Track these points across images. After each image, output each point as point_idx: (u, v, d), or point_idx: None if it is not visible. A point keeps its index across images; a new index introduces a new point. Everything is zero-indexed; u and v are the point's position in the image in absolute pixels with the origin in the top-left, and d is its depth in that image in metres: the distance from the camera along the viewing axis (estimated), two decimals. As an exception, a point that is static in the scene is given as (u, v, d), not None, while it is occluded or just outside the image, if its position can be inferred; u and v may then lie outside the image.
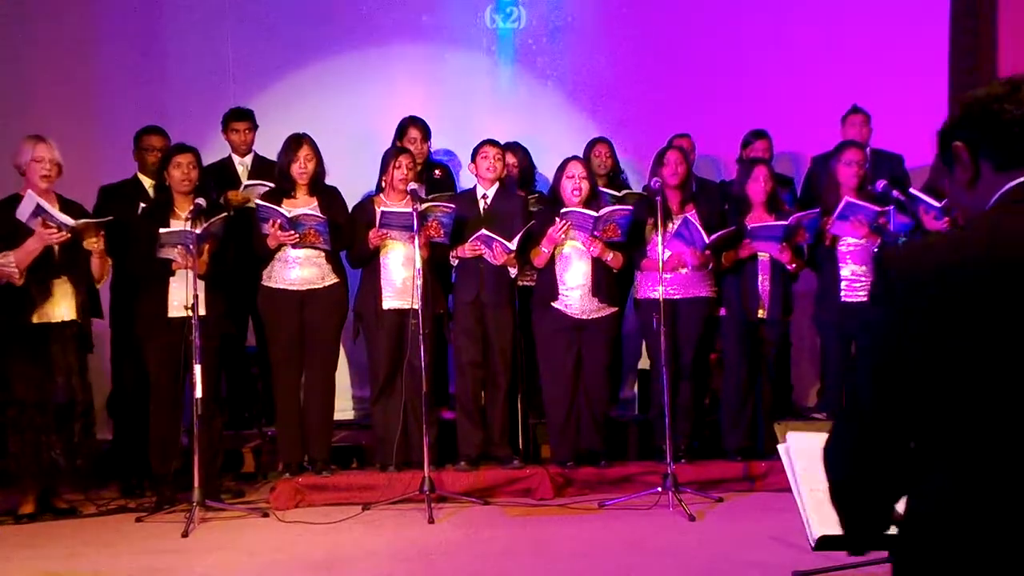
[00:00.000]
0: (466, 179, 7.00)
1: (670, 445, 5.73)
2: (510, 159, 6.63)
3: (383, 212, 5.96)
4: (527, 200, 6.46)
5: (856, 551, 1.80)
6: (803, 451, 2.10)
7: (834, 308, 6.16)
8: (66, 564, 4.91)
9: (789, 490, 2.19)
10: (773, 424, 6.22)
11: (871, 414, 1.60)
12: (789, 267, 6.17)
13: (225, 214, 5.95)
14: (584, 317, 6.11)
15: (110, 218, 5.81)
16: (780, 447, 2.25)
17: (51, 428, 5.67)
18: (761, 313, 6.21)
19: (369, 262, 6.12)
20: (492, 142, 6.29)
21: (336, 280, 6.14)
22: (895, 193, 5.96)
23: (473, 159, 6.27)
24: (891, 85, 7.48)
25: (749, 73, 7.76)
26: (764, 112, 7.42)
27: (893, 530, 1.66)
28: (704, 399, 6.59)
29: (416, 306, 5.79)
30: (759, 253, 6.19)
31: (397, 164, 6.09)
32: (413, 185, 5.94)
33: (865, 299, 5.89)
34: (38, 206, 5.48)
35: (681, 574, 4.62)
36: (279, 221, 5.89)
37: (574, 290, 6.10)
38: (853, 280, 6.15)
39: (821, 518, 2.01)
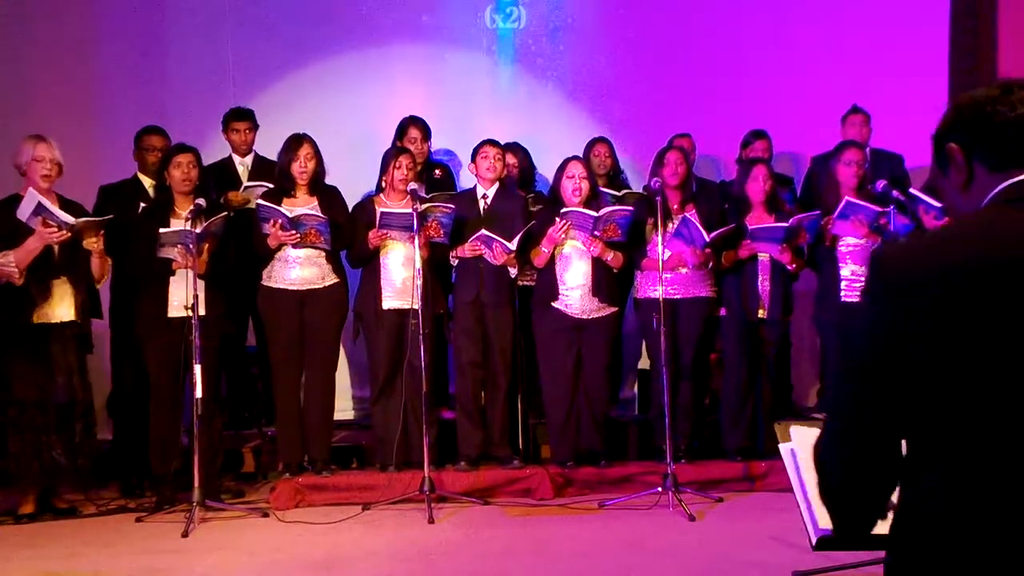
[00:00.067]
0: (466, 179, 7.00)
1: (670, 445, 5.73)
2: (510, 159, 6.63)
3: (383, 212, 5.96)
4: (527, 200, 6.46)
5: (848, 548, 1.81)
6: (809, 445, 2.10)
7: (834, 308, 6.15)
8: (66, 564, 4.91)
9: (789, 490, 2.19)
10: (773, 424, 6.22)
11: (862, 412, 1.60)
12: (789, 267, 6.17)
13: (225, 213, 5.96)
14: (584, 317, 6.11)
15: (110, 216, 5.82)
16: (782, 447, 2.25)
17: (52, 428, 5.68)
18: (761, 313, 6.21)
19: (369, 262, 6.13)
20: (492, 142, 6.29)
21: (336, 280, 6.14)
22: (895, 193, 5.96)
23: (473, 159, 6.27)
24: (891, 85, 7.49)
25: (749, 73, 7.76)
26: (764, 112, 7.42)
27: (884, 528, 1.66)
28: (704, 399, 6.59)
29: (416, 306, 5.79)
30: (759, 253, 6.19)
31: (397, 164, 6.09)
32: (413, 185, 5.94)
33: (860, 297, 5.89)
34: (39, 204, 5.48)
35: (681, 574, 4.62)
36: (280, 221, 5.89)
37: (574, 290, 6.11)
38: (853, 280, 6.15)
39: (823, 515, 2.01)
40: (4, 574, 4.82)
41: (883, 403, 1.58)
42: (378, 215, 5.97)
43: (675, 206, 6.22)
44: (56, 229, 5.52)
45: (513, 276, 6.19)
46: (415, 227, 5.73)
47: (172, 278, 5.78)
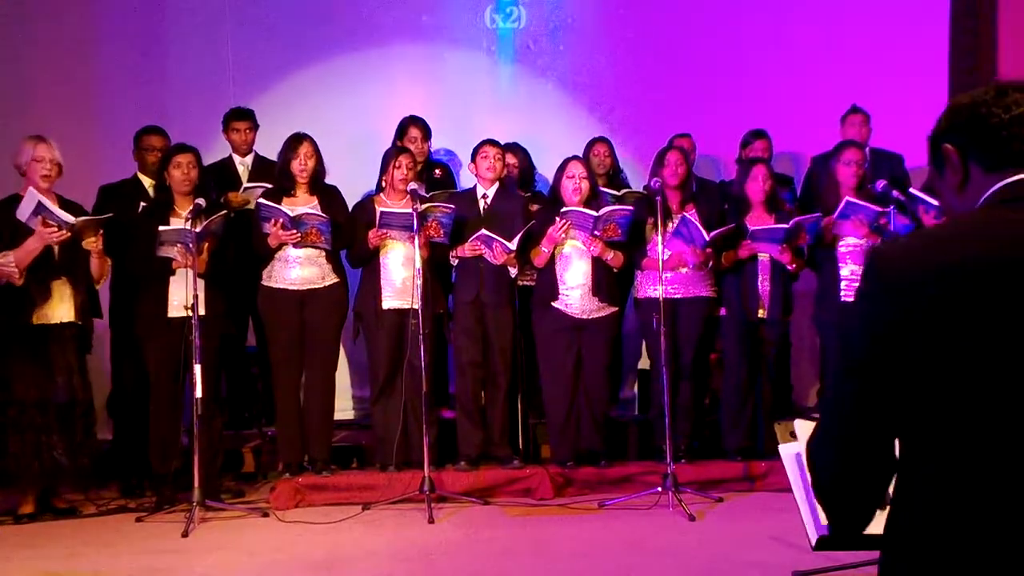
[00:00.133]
0: (466, 179, 7.00)
1: (670, 445, 5.73)
2: (510, 159, 6.63)
3: (383, 212, 5.96)
4: (527, 200, 6.46)
5: (848, 548, 1.81)
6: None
7: (834, 308, 6.15)
8: (66, 564, 4.91)
9: (789, 490, 2.19)
10: (773, 424, 6.23)
11: (857, 410, 1.61)
12: (789, 267, 6.17)
13: (224, 212, 5.96)
14: (584, 317, 6.11)
15: (109, 215, 5.82)
16: (782, 449, 2.25)
17: (52, 428, 5.67)
18: (761, 313, 6.21)
19: (369, 262, 6.13)
20: (492, 142, 6.29)
21: (336, 280, 6.14)
22: (895, 193, 5.96)
23: (473, 159, 6.27)
24: (891, 85, 7.49)
25: (749, 73, 7.76)
26: (764, 112, 7.42)
27: (880, 528, 1.67)
28: (704, 399, 6.60)
29: (416, 306, 5.79)
30: (759, 253, 6.20)
31: (397, 164, 6.09)
32: (413, 185, 5.94)
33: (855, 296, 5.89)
34: (39, 204, 5.48)
35: (681, 574, 4.62)
36: (281, 220, 5.89)
37: (574, 290, 6.11)
38: (853, 280, 6.14)
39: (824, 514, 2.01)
40: (4, 574, 4.82)
41: (878, 402, 1.59)
42: (378, 215, 5.97)
43: (675, 206, 6.22)
44: (56, 229, 5.52)
45: (513, 276, 6.19)
46: (415, 227, 5.73)
47: (172, 278, 5.78)
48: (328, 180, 6.22)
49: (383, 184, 6.18)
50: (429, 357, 5.76)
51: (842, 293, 6.17)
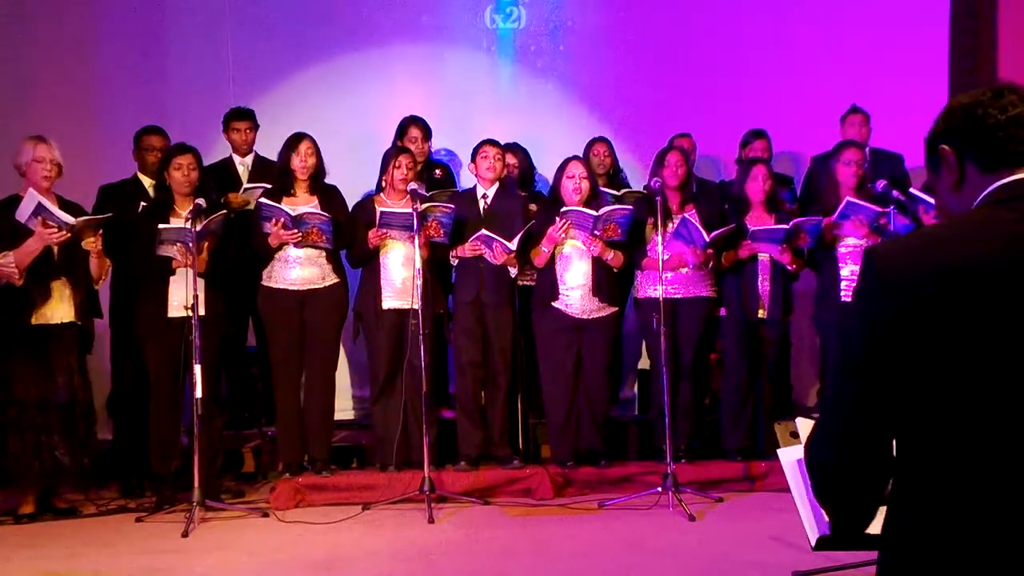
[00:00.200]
0: (466, 179, 7.00)
1: (670, 445, 5.73)
2: (510, 159, 6.63)
3: (383, 212, 5.96)
4: (527, 200, 6.46)
5: (848, 548, 1.82)
6: None
7: (834, 308, 6.15)
8: (66, 564, 4.91)
9: (789, 490, 2.19)
10: (773, 424, 6.23)
11: (855, 410, 1.61)
12: (789, 268, 6.18)
13: (224, 212, 5.96)
14: (584, 317, 6.11)
15: (109, 215, 5.82)
16: (781, 453, 2.25)
17: (52, 428, 5.67)
18: (761, 313, 6.21)
19: (369, 262, 6.13)
20: (492, 142, 6.29)
21: (336, 280, 6.14)
22: (895, 193, 5.96)
23: (473, 159, 6.27)
24: (891, 85, 7.49)
25: (749, 73, 7.76)
26: (764, 112, 7.42)
27: (878, 528, 1.67)
28: (704, 399, 6.60)
29: (416, 306, 5.79)
30: (759, 253, 6.20)
31: (397, 164, 6.09)
32: (413, 185, 5.94)
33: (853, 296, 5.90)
34: (39, 204, 5.48)
35: (681, 574, 4.62)
36: (283, 220, 5.89)
37: (574, 290, 6.11)
38: (853, 280, 6.13)
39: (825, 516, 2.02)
40: (4, 574, 4.82)
41: (877, 401, 1.59)
42: (378, 214, 5.97)
43: (675, 207, 6.22)
44: (56, 230, 5.52)
45: (513, 276, 6.19)
46: (415, 227, 5.73)
47: (172, 278, 5.78)
48: (328, 180, 6.22)
49: (383, 184, 6.18)
50: (429, 357, 5.76)
51: (842, 293, 6.17)
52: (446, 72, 7.96)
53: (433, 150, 7.15)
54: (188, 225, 5.56)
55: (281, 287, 6.07)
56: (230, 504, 5.83)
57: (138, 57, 7.73)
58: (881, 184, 6.07)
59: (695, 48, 7.89)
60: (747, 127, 7.22)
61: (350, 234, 6.11)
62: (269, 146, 6.64)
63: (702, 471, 6.08)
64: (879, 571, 1.65)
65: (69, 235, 5.54)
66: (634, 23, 7.95)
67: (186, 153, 5.88)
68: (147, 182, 6.44)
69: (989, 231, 1.60)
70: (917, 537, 1.57)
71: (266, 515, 5.65)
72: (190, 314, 5.50)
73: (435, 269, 6.16)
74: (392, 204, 6.07)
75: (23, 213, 5.51)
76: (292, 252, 6.03)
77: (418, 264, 5.77)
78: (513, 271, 6.15)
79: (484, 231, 6.01)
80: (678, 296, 6.16)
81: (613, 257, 6.07)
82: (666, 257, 5.92)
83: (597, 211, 5.98)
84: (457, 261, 6.22)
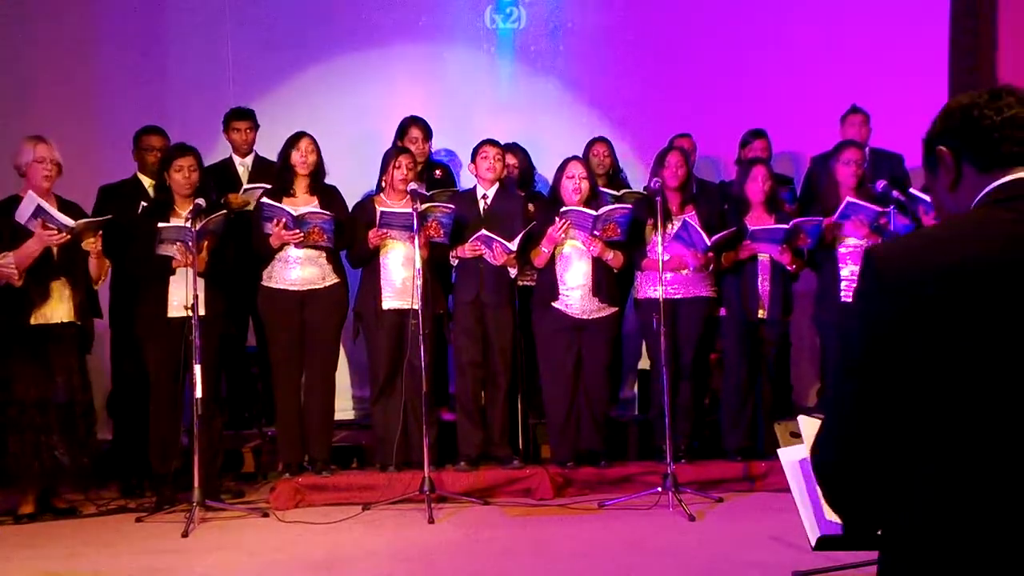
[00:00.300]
0: (466, 179, 7.01)
1: (670, 445, 5.73)
2: (510, 159, 6.63)
3: (383, 212, 5.96)
4: (527, 200, 6.46)
5: (848, 548, 1.83)
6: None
7: (834, 308, 6.16)
8: (66, 564, 4.91)
9: (789, 490, 2.19)
10: (773, 424, 6.23)
11: (857, 410, 1.61)
12: (789, 268, 6.18)
13: (224, 211, 5.96)
14: (584, 317, 6.11)
15: (108, 217, 5.82)
16: (781, 453, 2.25)
17: (52, 428, 5.68)
18: (761, 313, 6.21)
19: (369, 262, 6.13)
20: (492, 142, 6.29)
21: (336, 280, 6.14)
22: (895, 193, 5.96)
23: (473, 159, 6.27)
24: (891, 85, 7.49)
25: (749, 73, 7.76)
26: (764, 112, 7.42)
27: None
28: (704, 399, 6.60)
29: (416, 306, 5.79)
30: (759, 254, 6.20)
31: (397, 164, 6.09)
32: (413, 185, 5.94)
33: (853, 297, 5.90)
34: (38, 207, 5.48)
35: (681, 574, 4.62)
36: (284, 220, 5.89)
37: (574, 290, 6.11)
38: (853, 280, 6.13)
39: (828, 510, 2.02)
40: (4, 574, 4.82)
41: (876, 401, 1.60)
42: (378, 215, 5.97)
43: (675, 207, 6.22)
44: (55, 231, 5.52)
45: (513, 276, 6.19)
46: (415, 227, 5.73)
47: (172, 278, 5.78)
48: (328, 180, 6.22)
49: (383, 184, 6.18)
50: (429, 357, 5.76)
51: (842, 293, 6.17)
52: (446, 72, 7.96)
53: (433, 150, 7.15)
54: (188, 224, 5.56)
55: (281, 287, 6.07)
56: (230, 504, 5.83)
57: (138, 57, 7.72)
58: (881, 184, 6.07)
59: (695, 48, 7.89)
60: (747, 127, 7.22)
61: (350, 234, 6.11)
62: (269, 146, 6.63)
63: (702, 471, 6.08)
64: (880, 571, 1.65)
65: (69, 237, 5.54)
66: (634, 23, 7.95)
67: (187, 155, 5.87)
68: (147, 182, 6.44)
69: (987, 231, 1.60)
70: (917, 537, 1.58)
71: (266, 515, 5.65)
72: (190, 314, 5.50)
73: (435, 269, 6.16)
74: (392, 204, 6.07)
75: (23, 215, 5.51)
76: (292, 252, 6.03)
77: (418, 264, 5.77)
78: (513, 271, 6.15)
79: (484, 231, 6.01)
80: (678, 296, 6.16)
81: (613, 257, 6.07)
82: (666, 258, 5.92)
83: (597, 211, 5.98)
84: (457, 261, 6.21)
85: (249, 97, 7.25)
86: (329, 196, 6.16)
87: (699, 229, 5.99)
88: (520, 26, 8.01)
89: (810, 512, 2.10)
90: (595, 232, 5.99)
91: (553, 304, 6.12)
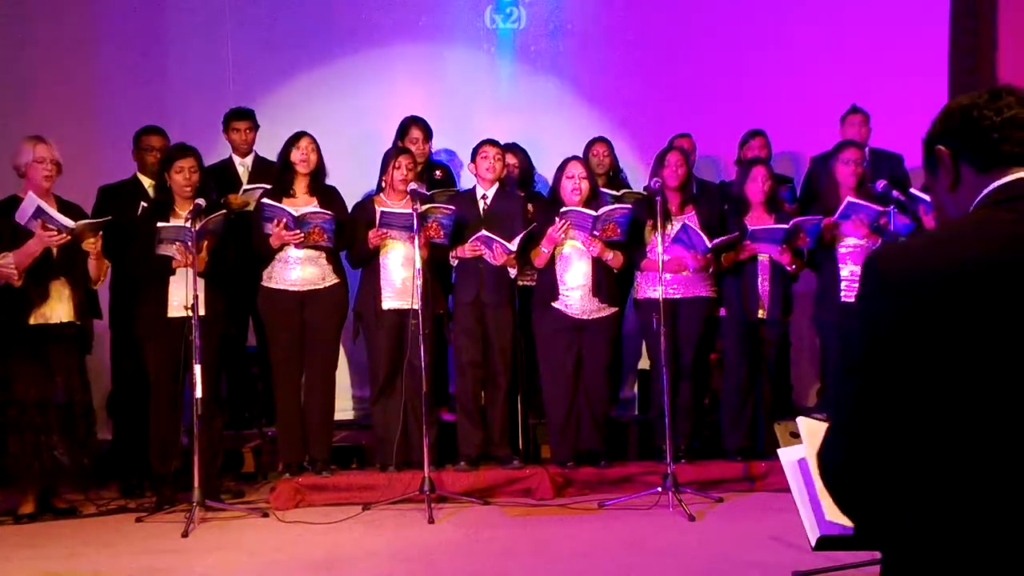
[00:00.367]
0: (466, 179, 7.01)
1: (670, 445, 5.73)
2: (510, 159, 6.62)
3: (383, 212, 5.96)
4: (526, 200, 6.46)
5: (848, 548, 1.82)
6: (814, 435, 2.11)
7: (834, 308, 6.16)
8: (66, 564, 4.91)
9: (789, 490, 2.20)
10: (773, 424, 6.23)
11: (860, 411, 1.61)
12: (789, 268, 6.18)
13: (224, 211, 5.96)
14: (584, 317, 6.11)
15: (108, 218, 5.82)
16: (781, 453, 2.26)
17: (52, 428, 5.68)
18: (761, 313, 6.21)
19: (369, 262, 6.13)
20: (492, 142, 6.29)
21: (337, 280, 6.14)
22: (895, 193, 5.96)
23: (473, 159, 6.27)
24: (891, 85, 7.49)
25: (749, 73, 7.77)
26: (764, 112, 7.42)
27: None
28: (704, 399, 6.60)
29: (416, 306, 5.79)
30: (759, 254, 6.20)
31: (397, 164, 6.09)
32: (413, 185, 5.94)
33: (855, 299, 5.90)
34: (39, 208, 5.48)
35: (681, 574, 4.62)
36: (285, 220, 5.89)
37: (574, 290, 6.11)
38: (852, 280, 6.14)
39: (830, 509, 2.02)
40: (4, 574, 4.82)
41: (877, 401, 1.59)
42: (378, 215, 5.98)
43: (675, 207, 6.22)
44: (56, 232, 5.52)
45: (513, 276, 6.19)
46: (415, 227, 5.73)
47: (172, 278, 5.78)
48: (328, 180, 6.22)
49: (383, 184, 6.18)
50: (429, 357, 5.76)
51: (842, 293, 6.17)
52: (446, 72, 7.96)
53: (433, 150, 7.15)
54: (187, 224, 5.56)
55: (281, 287, 6.07)
56: (230, 504, 5.83)
57: (138, 57, 7.72)
58: (881, 184, 6.07)
59: (695, 48, 7.89)
60: (747, 127, 7.23)
61: (350, 234, 6.11)
62: (269, 147, 6.63)
63: (702, 471, 6.08)
64: (883, 571, 1.65)
65: (69, 238, 5.55)
66: (634, 23, 7.95)
67: (187, 156, 5.86)
68: (147, 182, 6.44)
69: (988, 232, 1.61)
70: (920, 537, 1.57)
71: (266, 515, 5.65)
72: (190, 314, 5.50)
73: (435, 269, 6.16)
74: (392, 204, 6.07)
75: (23, 215, 5.51)
76: (292, 252, 6.03)
77: (418, 264, 5.77)
78: (513, 272, 6.15)
79: (484, 232, 6.01)
80: (678, 296, 6.16)
81: (613, 257, 6.07)
82: (666, 259, 5.92)
83: (596, 211, 5.98)
84: (457, 262, 6.21)
85: (249, 97, 7.25)
86: (329, 196, 6.16)
87: (699, 231, 5.99)
88: (520, 26, 8.01)
89: (810, 512, 2.10)
90: (595, 232, 5.99)
91: (553, 304, 6.12)
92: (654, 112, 7.77)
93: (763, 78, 7.72)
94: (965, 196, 1.69)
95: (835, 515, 2.03)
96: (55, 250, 5.62)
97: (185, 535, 5.26)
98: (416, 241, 5.74)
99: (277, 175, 6.20)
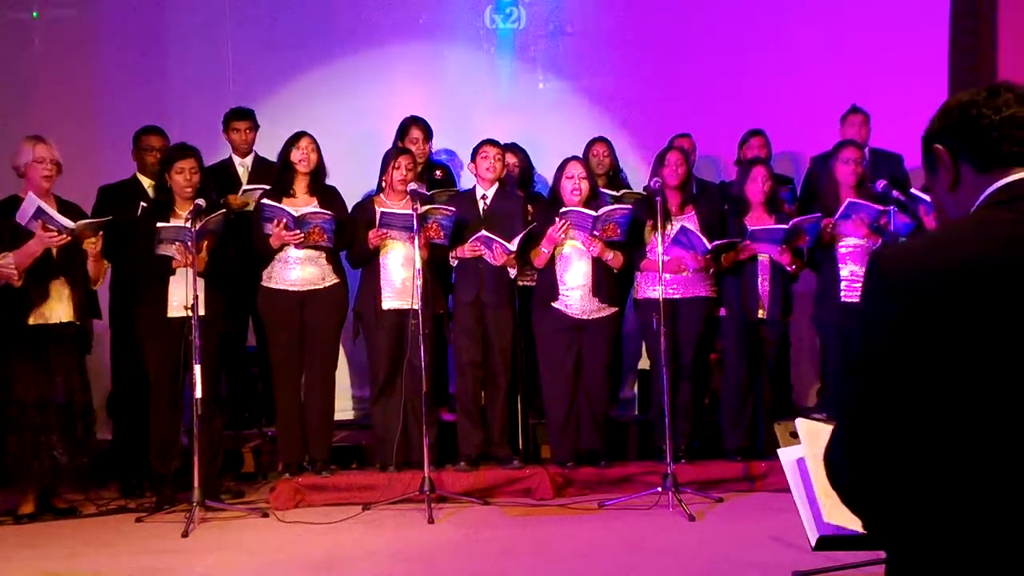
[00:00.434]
0: (466, 179, 7.01)
1: (670, 445, 5.73)
2: (510, 159, 6.62)
3: (383, 212, 5.96)
4: (526, 200, 6.45)
5: (848, 548, 1.82)
6: (813, 436, 2.10)
7: (834, 308, 6.16)
8: (66, 564, 4.91)
9: (789, 490, 2.20)
10: (773, 424, 6.23)
11: (864, 411, 1.61)
12: (789, 268, 6.17)
13: (224, 211, 5.95)
14: (584, 317, 6.11)
15: (108, 218, 5.82)
16: (781, 452, 2.26)
17: (51, 428, 5.68)
18: (761, 313, 6.21)
19: (369, 262, 6.13)
20: (492, 142, 6.29)
21: (336, 280, 6.14)
22: (895, 193, 5.96)
23: (473, 159, 6.27)
24: (891, 85, 7.49)
25: (749, 73, 7.76)
26: (764, 112, 7.42)
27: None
28: (704, 399, 6.60)
29: (416, 306, 5.79)
30: (759, 254, 6.20)
31: (396, 165, 6.09)
32: (414, 185, 5.93)
33: (859, 300, 5.90)
34: (39, 208, 5.48)
35: (681, 574, 4.62)
36: (285, 220, 5.89)
37: (574, 290, 6.11)
38: (852, 280, 6.15)
39: (831, 509, 2.02)
40: (4, 574, 4.82)
41: (880, 401, 1.59)
42: (378, 215, 5.98)
43: (675, 207, 6.21)
44: (56, 233, 5.52)
45: (513, 276, 6.19)
46: (415, 228, 5.73)
47: (172, 278, 5.78)
48: (328, 181, 6.21)
49: (383, 184, 6.18)
50: (429, 357, 5.76)
51: (842, 293, 6.17)
52: (446, 72, 7.96)
53: (433, 151, 7.15)
54: (187, 224, 5.56)
55: (281, 288, 6.07)
56: (230, 504, 5.83)
57: (138, 57, 7.72)
58: (881, 184, 6.07)
59: (695, 48, 7.89)
60: (747, 127, 7.22)
61: (350, 234, 6.11)
62: (269, 147, 6.63)
63: (702, 471, 6.08)
64: (888, 571, 1.65)
65: (69, 238, 5.55)
66: (634, 23, 7.95)
67: (188, 157, 5.85)
68: (146, 182, 6.43)
69: (988, 232, 1.60)
70: (923, 537, 1.57)
71: (266, 515, 5.65)
72: (190, 314, 5.50)
73: (435, 269, 6.16)
74: (392, 205, 6.07)
75: (24, 216, 5.51)
76: (292, 253, 6.03)
77: (418, 264, 5.77)
78: (513, 272, 6.15)
79: (484, 232, 6.01)
80: (678, 296, 6.16)
81: (613, 257, 6.07)
82: (666, 259, 5.91)
83: (596, 211, 5.98)
84: (457, 262, 6.21)
85: (249, 97, 7.24)
86: (328, 196, 6.16)
87: (698, 233, 5.99)
88: (520, 26, 8.01)
89: (810, 512, 2.10)
90: (595, 232, 5.99)
91: (553, 304, 6.12)
92: (654, 112, 7.77)
93: (763, 78, 7.72)
94: (965, 196, 1.68)
95: (833, 516, 2.03)
96: (55, 250, 5.62)
97: (185, 535, 5.26)
98: (416, 241, 5.74)
99: (277, 175, 6.20)
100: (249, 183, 6.71)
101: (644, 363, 6.84)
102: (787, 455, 2.23)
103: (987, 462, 1.54)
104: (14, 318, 5.61)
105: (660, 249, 5.84)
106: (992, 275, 1.55)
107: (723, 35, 7.88)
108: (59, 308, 5.70)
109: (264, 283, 6.11)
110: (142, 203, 6.25)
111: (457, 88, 7.89)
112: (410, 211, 5.77)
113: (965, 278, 1.55)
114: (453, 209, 6.05)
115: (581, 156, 6.55)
